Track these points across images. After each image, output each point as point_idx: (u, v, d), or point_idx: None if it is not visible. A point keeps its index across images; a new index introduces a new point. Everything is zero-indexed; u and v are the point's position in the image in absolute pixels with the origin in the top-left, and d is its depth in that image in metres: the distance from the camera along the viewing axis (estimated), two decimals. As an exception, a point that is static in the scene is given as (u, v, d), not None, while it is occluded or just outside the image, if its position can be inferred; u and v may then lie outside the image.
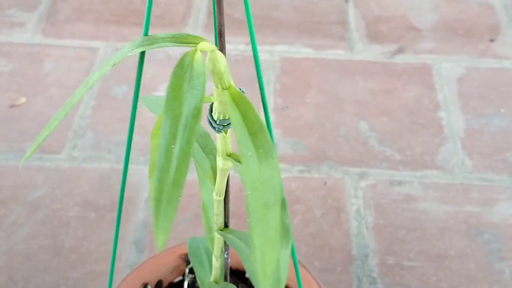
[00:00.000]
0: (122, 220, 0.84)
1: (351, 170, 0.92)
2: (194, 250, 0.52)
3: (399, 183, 0.90)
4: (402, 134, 0.98)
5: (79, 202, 0.86)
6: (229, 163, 0.38)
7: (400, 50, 1.14)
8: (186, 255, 0.61)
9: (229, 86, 0.33)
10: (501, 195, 0.88)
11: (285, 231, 0.33)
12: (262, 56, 1.13)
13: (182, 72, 0.30)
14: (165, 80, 1.07)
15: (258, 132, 0.31)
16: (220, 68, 0.32)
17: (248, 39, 1.16)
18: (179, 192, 0.27)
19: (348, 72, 1.09)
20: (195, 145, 0.41)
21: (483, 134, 0.97)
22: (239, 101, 0.32)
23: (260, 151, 0.31)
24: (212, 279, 0.49)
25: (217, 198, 0.42)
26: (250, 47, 1.15)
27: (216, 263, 0.47)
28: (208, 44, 0.32)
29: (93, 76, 0.34)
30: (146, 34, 0.36)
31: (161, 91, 1.06)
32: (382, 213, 0.86)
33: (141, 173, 0.90)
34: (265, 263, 0.28)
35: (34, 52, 1.11)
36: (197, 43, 0.32)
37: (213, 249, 0.46)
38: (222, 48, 0.35)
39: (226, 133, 0.38)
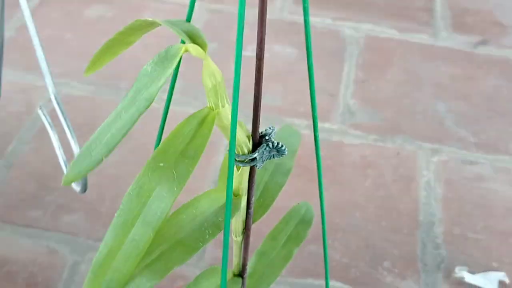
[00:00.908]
0: (203, 161, 0.90)
1: (425, 145, 0.95)
2: None
3: (471, 162, 0.92)
4: (478, 119, 1.00)
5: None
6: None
7: (484, 42, 1.16)
8: None
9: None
10: None
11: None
12: (347, 31, 1.17)
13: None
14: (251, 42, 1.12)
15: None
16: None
17: (335, 14, 1.20)
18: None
19: (430, 56, 1.12)
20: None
21: (559, 129, 0.99)
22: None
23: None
24: None
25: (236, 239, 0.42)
26: (336, 22, 1.19)
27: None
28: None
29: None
30: None
31: (248, 51, 1.10)
32: (451, 187, 0.88)
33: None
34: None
35: (134, 2, 1.18)
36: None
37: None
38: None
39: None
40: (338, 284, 0.75)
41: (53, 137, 0.41)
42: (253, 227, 0.43)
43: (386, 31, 1.17)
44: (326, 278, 0.52)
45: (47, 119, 0.41)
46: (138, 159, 0.89)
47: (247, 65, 0.42)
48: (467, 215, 0.85)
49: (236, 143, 0.35)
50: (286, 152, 0.37)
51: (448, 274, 0.77)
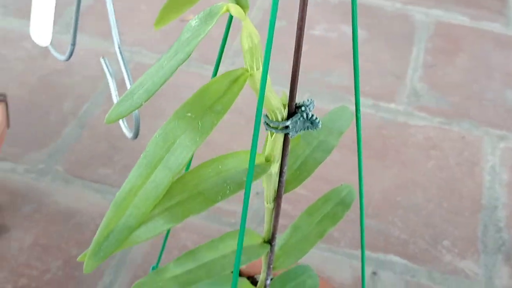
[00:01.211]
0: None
1: (492, 131, 0.94)
2: None
3: (539, 151, 0.91)
4: (548, 109, 0.98)
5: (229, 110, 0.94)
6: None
7: (559, 34, 1.13)
8: None
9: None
10: None
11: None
12: (417, 16, 1.16)
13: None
14: (319, 21, 1.13)
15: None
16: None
17: (406, -1, 1.19)
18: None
19: (502, 44, 1.10)
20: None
21: None
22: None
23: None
24: None
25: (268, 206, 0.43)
26: (406, 6, 1.18)
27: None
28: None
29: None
30: None
31: (316, 31, 1.11)
32: (517, 173, 0.87)
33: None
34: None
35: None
36: None
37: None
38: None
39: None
40: (396, 258, 0.75)
41: (111, 84, 0.42)
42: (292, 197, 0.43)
43: (457, 17, 1.16)
44: (362, 251, 0.51)
45: (107, 67, 0.42)
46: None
47: (314, 44, 0.42)
48: (532, 202, 0.83)
49: (270, 109, 0.36)
50: (320, 126, 0.37)
51: (509, 257, 0.76)
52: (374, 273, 0.74)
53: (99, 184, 0.82)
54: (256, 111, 0.32)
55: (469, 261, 0.75)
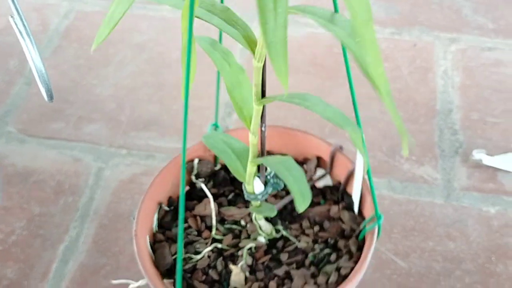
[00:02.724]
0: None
1: (442, 35, 0.93)
2: (213, 144, 0.50)
3: (490, 49, 0.91)
4: (496, 5, 0.97)
5: (180, 47, 0.93)
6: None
7: None
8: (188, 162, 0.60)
9: None
10: None
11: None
12: None
13: None
14: None
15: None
16: None
17: None
18: (286, 32, 0.30)
19: None
20: (219, 20, 0.40)
21: None
22: None
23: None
24: (250, 157, 0.47)
25: (257, 64, 0.39)
26: None
27: (254, 140, 0.46)
28: None
29: None
30: None
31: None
32: (469, 74, 0.87)
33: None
34: (376, 77, 0.31)
35: None
36: None
37: (249, 126, 0.45)
38: None
39: None
40: (356, 174, 0.76)
41: (23, 45, 0.41)
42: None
43: None
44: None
45: (18, 27, 0.41)
46: (153, 69, 0.90)
47: None
48: (485, 101, 0.84)
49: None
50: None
51: (466, 158, 0.77)
52: (336, 191, 0.75)
53: (54, 140, 0.81)
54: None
55: (427, 166, 0.76)
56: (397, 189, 0.74)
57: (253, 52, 0.39)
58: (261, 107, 0.43)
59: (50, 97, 0.40)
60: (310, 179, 0.59)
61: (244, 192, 0.50)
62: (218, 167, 0.60)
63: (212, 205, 0.55)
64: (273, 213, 0.50)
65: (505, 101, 0.84)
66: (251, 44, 0.40)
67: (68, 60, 0.92)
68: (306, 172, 0.59)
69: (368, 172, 0.51)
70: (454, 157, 0.77)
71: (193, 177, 0.59)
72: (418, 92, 0.86)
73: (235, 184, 0.59)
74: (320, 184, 0.59)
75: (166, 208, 0.56)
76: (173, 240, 0.54)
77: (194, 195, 0.58)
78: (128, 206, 0.73)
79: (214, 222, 0.55)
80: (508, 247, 0.68)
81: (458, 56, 0.90)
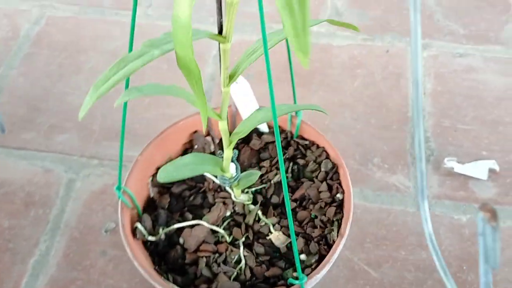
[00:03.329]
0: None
1: (414, 41, 0.94)
2: (173, 174, 0.52)
3: (461, 55, 0.91)
4: (468, 11, 0.98)
5: (153, 54, 0.92)
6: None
7: None
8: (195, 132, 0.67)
9: None
10: (563, 72, 0.89)
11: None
12: None
13: None
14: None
15: None
16: None
17: None
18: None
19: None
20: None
21: (552, 15, 0.97)
22: None
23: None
24: (226, 144, 0.51)
25: (225, 47, 0.43)
26: None
27: (224, 125, 0.50)
28: None
29: None
30: None
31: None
32: (441, 81, 0.88)
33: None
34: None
35: None
36: None
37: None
38: None
39: None
40: (329, 182, 0.77)
41: None
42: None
43: None
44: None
45: None
46: (126, 76, 0.89)
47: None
48: (457, 107, 0.85)
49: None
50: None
51: (438, 165, 0.77)
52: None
53: (25, 151, 0.80)
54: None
55: (400, 175, 0.77)
56: (369, 198, 0.74)
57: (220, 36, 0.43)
58: (229, 89, 0.47)
59: (2, 130, 0.40)
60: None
61: (221, 181, 0.55)
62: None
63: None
64: (257, 175, 0.57)
65: (475, 108, 0.84)
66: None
67: (39, 67, 0.91)
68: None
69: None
70: (426, 165, 0.78)
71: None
72: (391, 98, 0.86)
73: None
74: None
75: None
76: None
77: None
78: (99, 217, 0.73)
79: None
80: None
81: (430, 62, 0.91)
